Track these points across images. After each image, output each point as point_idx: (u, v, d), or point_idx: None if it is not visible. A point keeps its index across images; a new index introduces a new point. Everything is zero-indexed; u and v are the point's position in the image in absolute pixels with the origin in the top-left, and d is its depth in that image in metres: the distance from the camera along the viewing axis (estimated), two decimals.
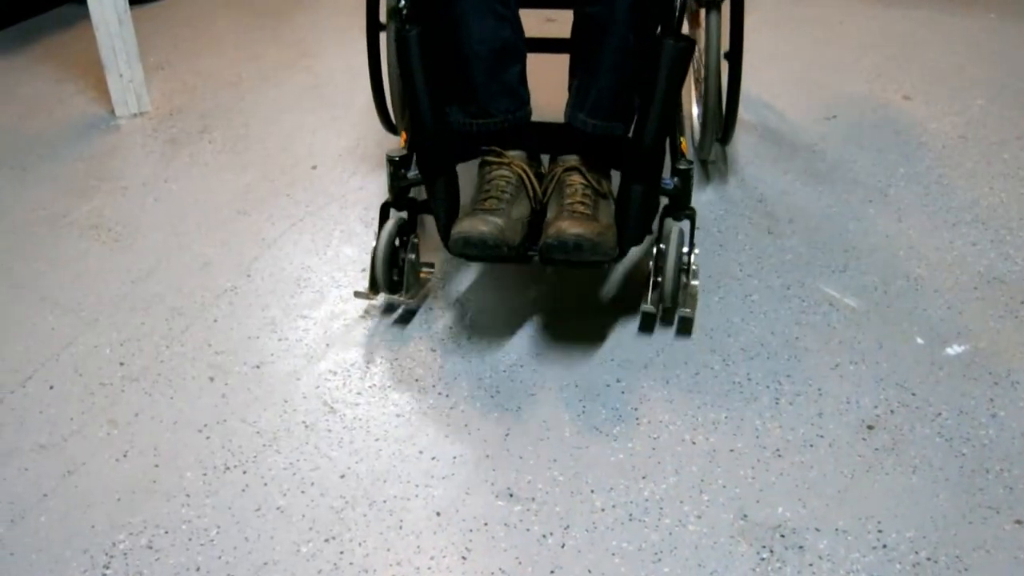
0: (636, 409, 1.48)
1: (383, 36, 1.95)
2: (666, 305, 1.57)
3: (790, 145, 2.20)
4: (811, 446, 1.41)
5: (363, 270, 1.81)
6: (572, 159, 1.60)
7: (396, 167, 1.64)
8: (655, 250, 1.61)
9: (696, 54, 2.12)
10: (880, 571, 1.22)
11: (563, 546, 1.27)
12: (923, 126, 2.26)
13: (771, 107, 2.36)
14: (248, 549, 1.28)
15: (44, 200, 2.08)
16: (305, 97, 2.49)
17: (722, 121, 1.98)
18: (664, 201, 1.62)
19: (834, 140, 2.21)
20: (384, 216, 1.67)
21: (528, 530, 1.29)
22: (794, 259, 1.81)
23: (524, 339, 1.63)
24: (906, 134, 2.23)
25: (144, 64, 2.42)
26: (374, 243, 1.63)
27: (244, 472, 1.39)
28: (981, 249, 1.83)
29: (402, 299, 1.69)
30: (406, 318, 1.69)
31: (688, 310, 1.60)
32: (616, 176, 1.59)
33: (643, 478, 1.36)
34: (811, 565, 1.23)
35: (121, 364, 1.61)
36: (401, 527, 1.30)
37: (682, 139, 1.66)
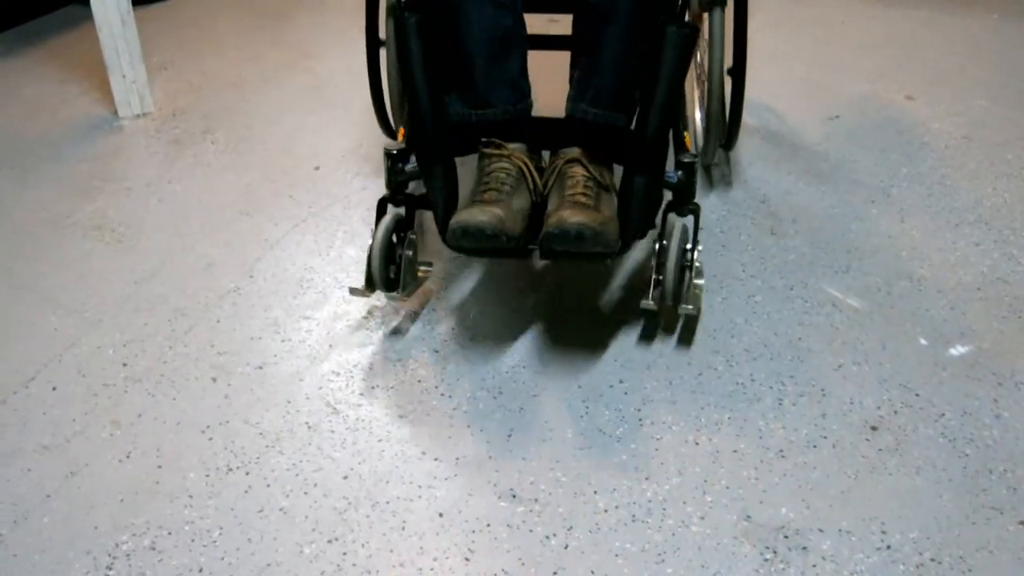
0: (639, 410, 1.48)
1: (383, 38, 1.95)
2: (667, 303, 1.54)
3: (792, 145, 2.20)
4: (814, 447, 1.41)
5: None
6: (574, 151, 1.57)
7: (394, 160, 1.61)
8: (657, 247, 1.58)
9: (697, 58, 2.12)
10: (884, 572, 1.22)
11: (566, 547, 1.27)
12: (926, 126, 2.26)
13: (773, 108, 2.36)
14: (251, 550, 1.28)
15: (47, 201, 2.08)
16: (307, 98, 2.49)
17: (725, 128, 1.97)
18: (668, 196, 1.59)
19: (836, 140, 2.21)
20: (381, 212, 1.63)
21: (531, 531, 1.29)
22: (797, 260, 1.81)
23: (526, 341, 1.63)
24: (909, 134, 2.23)
25: (147, 65, 2.42)
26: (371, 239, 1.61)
27: (247, 473, 1.39)
28: (984, 249, 1.82)
29: (398, 297, 1.67)
30: (409, 320, 1.69)
31: (691, 307, 1.54)
32: (619, 170, 1.57)
33: (646, 479, 1.36)
34: (815, 566, 1.23)
35: (124, 365, 1.61)
36: (404, 528, 1.30)
37: (686, 133, 1.63)
